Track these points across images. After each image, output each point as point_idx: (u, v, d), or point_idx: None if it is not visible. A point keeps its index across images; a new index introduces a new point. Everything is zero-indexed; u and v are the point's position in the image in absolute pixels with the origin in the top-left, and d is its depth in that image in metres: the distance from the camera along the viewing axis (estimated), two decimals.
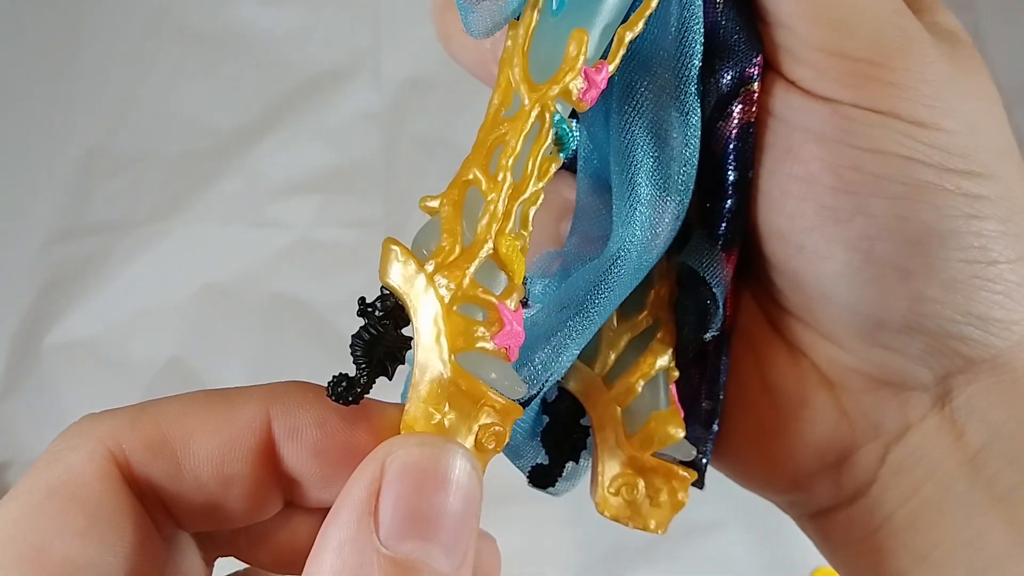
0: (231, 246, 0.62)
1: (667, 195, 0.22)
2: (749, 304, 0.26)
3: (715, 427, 0.25)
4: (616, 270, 0.22)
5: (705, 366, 0.25)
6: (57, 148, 0.63)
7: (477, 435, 0.18)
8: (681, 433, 0.24)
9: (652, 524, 0.24)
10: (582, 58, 0.20)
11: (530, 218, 0.20)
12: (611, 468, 0.24)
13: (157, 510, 0.19)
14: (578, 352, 0.23)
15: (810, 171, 0.22)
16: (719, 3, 0.22)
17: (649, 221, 0.22)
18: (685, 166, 0.22)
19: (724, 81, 0.22)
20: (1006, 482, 0.22)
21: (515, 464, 0.25)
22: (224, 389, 0.20)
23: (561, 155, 0.20)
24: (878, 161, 0.21)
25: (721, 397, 0.25)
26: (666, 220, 0.22)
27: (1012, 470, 0.22)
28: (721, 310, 0.24)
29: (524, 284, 0.22)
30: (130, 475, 0.18)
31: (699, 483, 0.26)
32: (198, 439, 0.19)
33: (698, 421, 0.25)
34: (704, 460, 0.25)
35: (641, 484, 0.24)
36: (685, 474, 0.24)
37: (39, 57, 0.64)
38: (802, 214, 0.22)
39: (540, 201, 0.20)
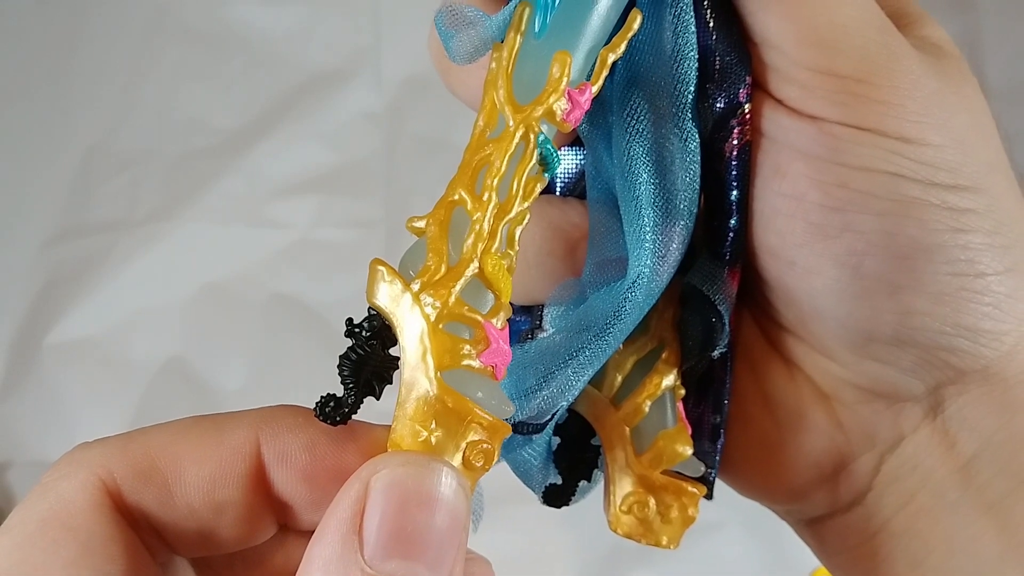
0: (231, 246, 0.62)
1: (671, 221, 0.23)
2: (746, 320, 0.26)
3: (721, 440, 0.25)
4: (633, 295, 0.22)
5: (711, 382, 0.26)
6: (57, 148, 0.63)
7: (465, 453, 0.18)
8: (689, 450, 0.24)
9: (664, 540, 0.25)
10: (565, 79, 0.20)
11: (516, 238, 0.20)
12: (622, 487, 0.25)
13: (150, 536, 0.19)
14: (593, 375, 0.23)
15: (798, 189, 0.22)
16: (711, 26, 0.22)
17: (656, 248, 0.22)
18: (687, 191, 0.23)
19: (719, 106, 0.23)
20: (997, 490, 0.23)
21: (527, 485, 0.26)
22: (214, 415, 0.20)
23: (546, 175, 0.20)
24: (864, 178, 0.22)
25: (726, 411, 0.25)
26: (672, 246, 0.23)
27: (1003, 478, 0.23)
28: (727, 327, 0.24)
29: (540, 311, 0.22)
30: (121, 503, 0.18)
31: (708, 495, 0.26)
32: (188, 465, 0.19)
33: (705, 436, 0.26)
34: (712, 473, 0.26)
35: (652, 502, 0.25)
36: (695, 490, 0.25)
37: (39, 57, 0.64)
38: (792, 231, 0.22)
39: (526, 221, 0.20)
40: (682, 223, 0.23)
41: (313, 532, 0.19)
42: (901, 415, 0.24)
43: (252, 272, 0.62)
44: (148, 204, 0.63)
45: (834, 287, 0.22)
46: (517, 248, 0.20)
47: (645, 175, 0.22)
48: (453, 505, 0.17)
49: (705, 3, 0.22)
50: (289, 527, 0.20)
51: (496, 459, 0.19)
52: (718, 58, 0.22)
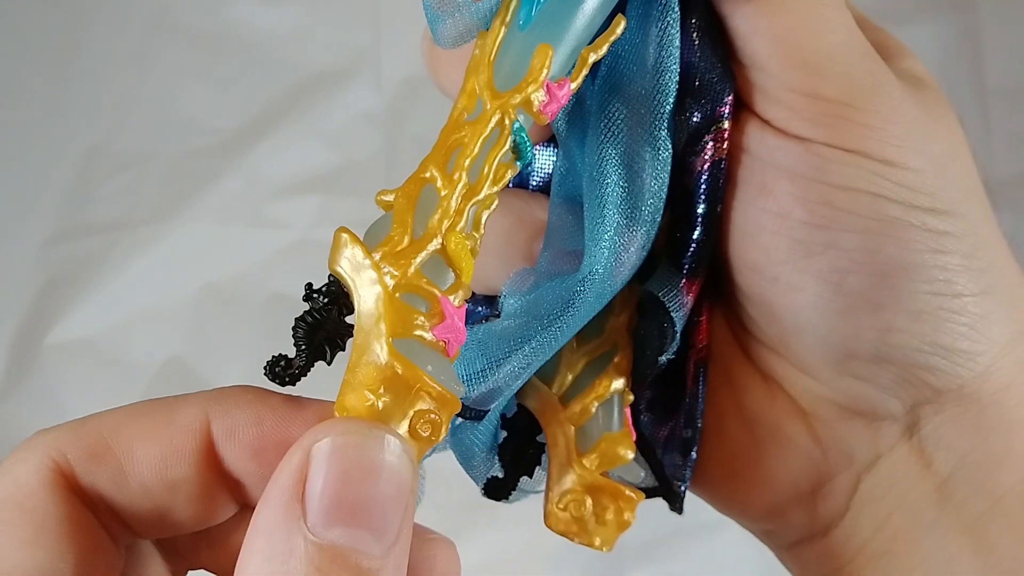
0: (231, 246, 0.62)
1: (634, 225, 0.23)
2: (725, 335, 0.26)
3: (693, 455, 0.26)
4: (585, 289, 0.23)
5: (683, 395, 0.26)
6: (57, 148, 0.63)
7: (412, 420, 0.18)
8: (631, 455, 0.25)
9: (597, 541, 0.25)
10: (546, 71, 0.20)
11: (482, 221, 0.20)
12: (562, 484, 0.25)
13: (108, 519, 0.19)
14: (539, 367, 0.23)
15: (783, 206, 0.23)
16: (696, 44, 0.23)
17: (615, 248, 0.23)
18: (653, 199, 0.23)
19: (695, 119, 0.23)
20: (972, 510, 0.23)
21: (469, 473, 0.26)
22: (167, 397, 0.20)
23: (518, 163, 0.21)
24: (848, 197, 0.22)
25: (699, 426, 0.26)
26: (632, 249, 0.23)
27: (978, 498, 0.23)
28: (678, 335, 0.24)
29: (498, 299, 0.22)
30: (76, 484, 0.19)
31: (678, 509, 0.26)
32: (140, 445, 0.19)
33: (676, 449, 0.26)
34: (683, 487, 0.26)
35: (589, 502, 0.25)
36: (632, 495, 0.25)
37: (39, 57, 0.64)
38: (775, 247, 0.23)
39: (494, 206, 0.20)
40: (643, 229, 0.23)
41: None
42: (879, 434, 0.24)
43: (252, 272, 0.62)
44: (148, 204, 0.63)
45: (816, 303, 0.23)
46: (483, 232, 0.20)
47: (614, 177, 0.23)
48: (397, 471, 0.17)
49: (692, 21, 0.22)
50: (248, 506, 0.21)
51: (444, 433, 0.19)
52: (699, 74, 0.23)
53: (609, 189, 0.23)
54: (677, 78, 0.23)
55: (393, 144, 0.63)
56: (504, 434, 0.26)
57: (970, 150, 0.24)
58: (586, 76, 0.21)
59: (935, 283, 0.22)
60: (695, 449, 0.26)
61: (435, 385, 0.18)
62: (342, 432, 0.17)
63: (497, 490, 0.26)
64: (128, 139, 0.63)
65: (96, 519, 0.19)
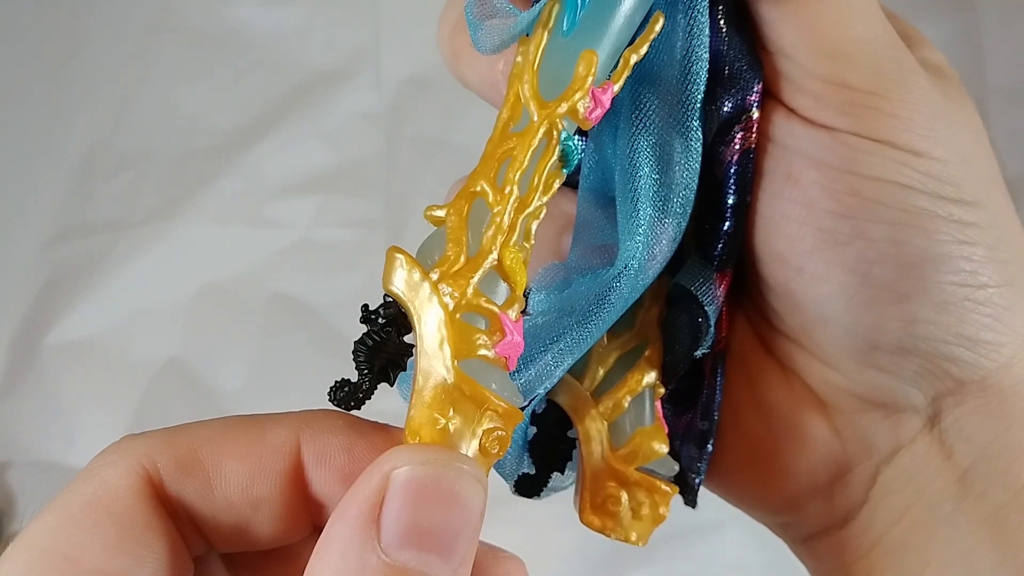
0: (231, 246, 0.62)
1: (666, 217, 0.23)
2: (743, 326, 0.26)
3: (709, 447, 0.26)
4: (620, 283, 0.23)
5: (701, 387, 0.26)
6: (57, 148, 0.63)
7: (481, 440, 0.19)
8: (665, 448, 0.25)
9: (633, 536, 0.25)
10: (591, 78, 0.20)
11: (532, 231, 0.20)
12: (595, 480, 0.25)
13: (188, 528, 0.20)
14: (573, 363, 0.23)
15: (810, 196, 0.23)
16: (723, 31, 0.23)
17: (648, 241, 0.23)
18: (685, 190, 0.23)
19: (725, 109, 0.23)
20: (992, 502, 0.23)
21: (498, 472, 0.26)
22: (256, 415, 0.20)
23: (564, 170, 0.21)
24: (876, 187, 0.22)
25: (716, 418, 0.26)
26: (663, 242, 0.23)
27: (998, 490, 0.23)
28: (712, 328, 0.24)
29: (526, 295, 0.22)
30: (163, 493, 0.19)
31: (691, 502, 0.26)
32: (229, 461, 0.19)
33: (692, 441, 0.26)
34: (698, 480, 0.26)
35: (624, 497, 0.25)
36: (667, 488, 0.25)
37: (39, 57, 0.64)
38: (802, 237, 0.23)
39: (543, 215, 0.20)
40: (675, 221, 0.23)
41: None
42: (899, 425, 0.24)
43: (252, 272, 0.62)
44: (148, 204, 0.63)
45: (842, 294, 0.23)
46: (533, 241, 0.20)
47: (647, 169, 0.23)
48: (470, 501, 0.18)
49: (720, 8, 0.22)
50: (323, 528, 0.21)
51: (509, 444, 0.19)
52: (728, 63, 0.23)
53: (642, 181, 0.23)
54: (707, 67, 0.23)
55: (393, 144, 0.63)
56: (534, 430, 0.26)
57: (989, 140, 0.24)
58: (622, 78, 0.21)
59: (960, 274, 0.22)
60: (711, 442, 0.26)
61: (501, 403, 0.19)
62: (421, 461, 0.18)
63: (528, 487, 0.26)
64: (128, 139, 0.63)
65: (177, 529, 0.19)
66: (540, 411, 0.26)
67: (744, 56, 0.23)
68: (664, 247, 0.23)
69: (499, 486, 0.28)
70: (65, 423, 0.61)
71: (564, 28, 0.21)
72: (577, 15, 0.21)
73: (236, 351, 0.62)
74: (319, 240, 0.62)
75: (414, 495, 0.17)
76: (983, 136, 0.24)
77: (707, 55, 0.23)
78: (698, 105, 0.23)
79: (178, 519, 0.19)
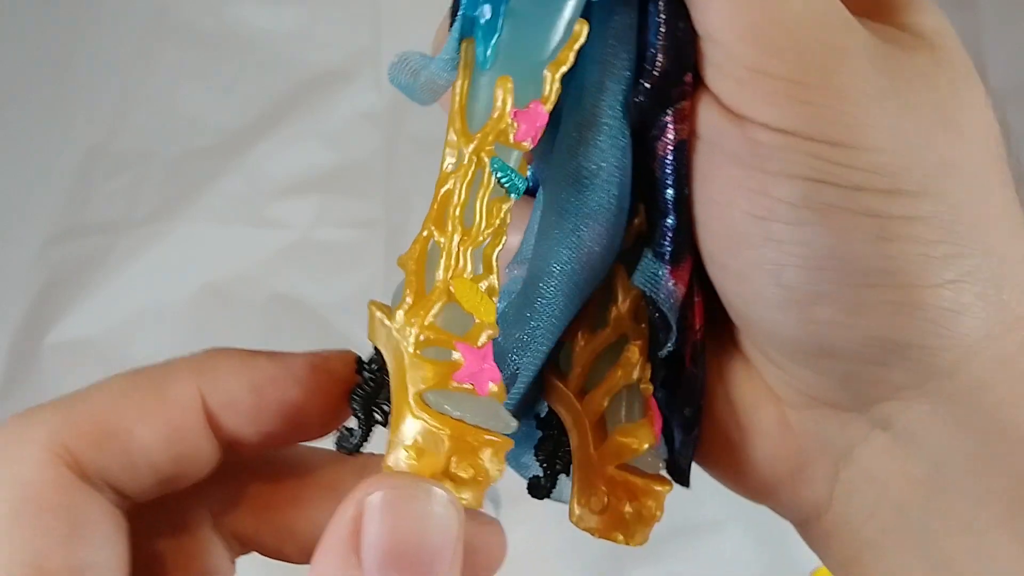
0: (231, 246, 0.62)
1: (593, 217, 0.23)
2: (717, 318, 0.26)
3: (695, 433, 0.26)
4: (547, 288, 0.23)
5: (683, 375, 0.26)
6: (57, 148, 0.63)
7: (451, 466, 0.19)
8: (645, 446, 0.24)
9: (620, 537, 0.25)
10: (509, 102, 0.21)
11: (493, 259, 0.21)
12: (584, 481, 0.25)
13: (111, 494, 0.20)
14: (532, 373, 0.24)
15: (727, 195, 0.22)
16: (661, 17, 0.22)
17: (575, 244, 0.23)
18: (611, 188, 0.23)
19: (644, 99, 0.22)
20: (961, 515, 0.22)
21: (520, 474, 0.26)
22: (147, 368, 0.20)
23: (512, 196, 0.21)
24: (784, 185, 0.21)
25: (700, 405, 0.25)
26: (590, 245, 0.23)
27: (956, 500, 0.22)
28: (674, 328, 0.24)
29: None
30: (84, 472, 0.19)
31: (684, 482, 0.26)
32: (139, 427, 0.19)
33: (680, 427, 0.26)
34: (687, 462, 0.26)
35: (605, 498, 0.25)
36: (659, 488, 0.25)
37: (39, 57, 0.64)
38: (724, 235, 0.22)
39: (503, 243, 0.21)
40: (604, 219, 0.23)
41: (333, 491, 0.21)
42: (849, 424, 0.23)
43: (252, 272, 0.62)
44: (148, 204, 0.63)
45: (759, 296, 0.22)
46: (496, 270, 0.21)
47: (572, 174, 0.23)
48: (444, 520, 0.18)
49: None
50: (238, 453, 0.21)
51: (495, 467, 0.20)
52: (659, 50, 0.22)
53: (567, 188, 0.23)
54: (627, 63, 0.22)
55: (393, 144, 0.63)
56: (539, 434, 0.26)
57: (985, 114, 0.22)
58: (559, 90, 0.21)
59: (877, 275, 0.21)
60: (697, 429, 0.26)
61: (468, 430, 0.19)
62: (392, 486, 0.18)
63: (538, 489, 0.26)
64: (128, 139, 0.63)
65: (105, 499, 0.19)
66: (543, 415, 0.26)
67: (674, 43, 0.22)
68: (595, 247, 0.23)
69: (501, 486, 0.28)
70: None
71: (480, 62, 0.21)
72: (489, 48, 0.21)
73: None
74: (319, 240, 0.62)
75: (389, 519, 0.18)
76: (957, 111, 0.22)
77: (628, 52, 0.22)
78: (619, 100, 0.22)
79: (102, 489, 0.19)
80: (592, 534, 0.25)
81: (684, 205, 0.23)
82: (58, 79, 0.63)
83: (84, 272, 0.62)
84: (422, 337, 0.20)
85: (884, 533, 0.23)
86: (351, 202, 0.63)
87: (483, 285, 0.21)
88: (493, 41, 0.21)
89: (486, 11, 0.21)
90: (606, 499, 0.24)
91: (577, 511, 0.25)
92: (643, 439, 0.24)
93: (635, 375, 0.25)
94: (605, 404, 0.25)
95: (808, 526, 0.25)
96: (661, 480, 0.25)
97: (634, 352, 0.25)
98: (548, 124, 0.22)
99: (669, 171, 0.23)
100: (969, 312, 0.21)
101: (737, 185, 0.21)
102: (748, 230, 0.21)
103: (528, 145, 0.21)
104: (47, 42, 0.64)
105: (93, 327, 0.62)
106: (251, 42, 0.64)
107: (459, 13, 0.21)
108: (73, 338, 0.61)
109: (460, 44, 0.21)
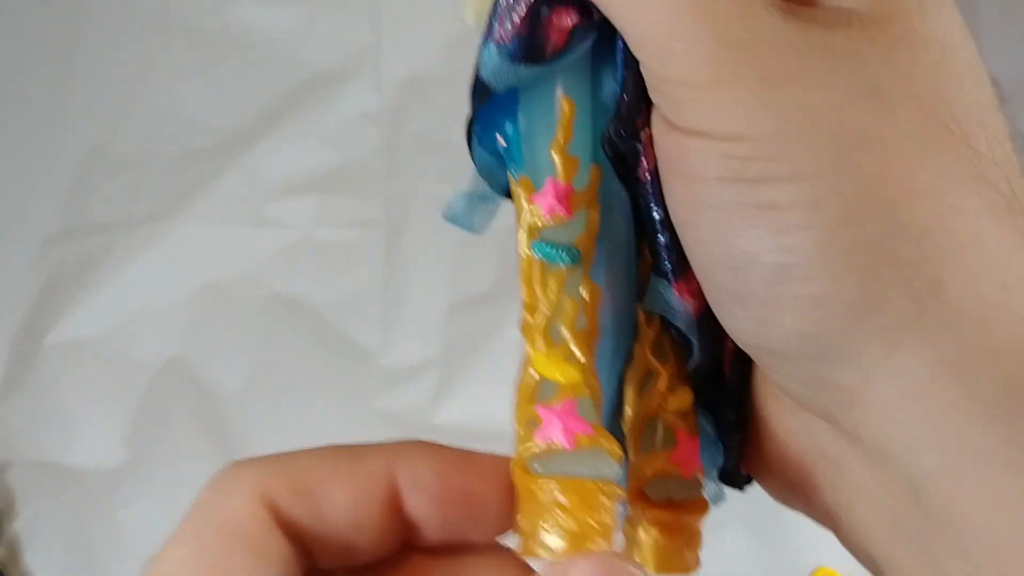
0: (231, 246, 0.62)
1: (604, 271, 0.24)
2: None
3: (738, 436, 0.26)
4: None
5: (724, 383, 0.26)
6: (57, 148, 0.63)
7: (565, 525, 0.21)
8: (674, 472, 0.25)
9: (672, 566, 0.26)
10: (526, 205, 0.23)
11: (564, 330, 0.23)
12: (634, 517, 0.25)
13: (299, 549, 0.21)
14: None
15: (672, 208, 0.22)
16: (621, 55, 0.23)
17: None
18: (616, 236, 0.25)
19: (612, 132, 0.23)
20: (948, 531, 0.20)
21: None
22: (349, 445, 0.22)
23: (565, 264, 0.23)
24: (703, 189, 0.21)
25: (742, 410, 0.26)
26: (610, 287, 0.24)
27: (938, 520, 0.20)
28: (695, 342, 0.24)
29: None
30: (280, 517, 0.20)
31: (738, 486, 0.26)
32: (334, 487, 0.21)
33: (725, 432, 0.26)
34: (732, 464, 0.26)
35: (656, 531, 0.25)
36: (688, 518, 0.25)
37: (39, 57, 0.64)
38: (687, 246, 0.23)
39: (578, 316, 0.23)
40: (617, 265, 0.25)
41: (437, 552, 0.22)
42: (833, 430, 0.22)
43: (252, 272, 0.62)
44: (148, 204, 0.63)
45: (712, 298, 0.22)
46: (573, 338, 0.23)
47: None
48: None
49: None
50: (413, 545, 0.22)
51: (615, 505, 0.22)
52: (622, 87, 0.23)
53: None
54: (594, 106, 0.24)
55: (393, 144, 0.63)
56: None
57: (931, 81, 0.21)
58: (566, 164, 0.23)
59: (772, 270, 0.20)
60: (740, 432, 0.26)
61: (581, 483, 0.21)
62: (598, 562, 0.20)
63: None
64: (128, 139, 0.63)
65: (293, 549, 0.21)
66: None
67: (635, 76, 0.22)
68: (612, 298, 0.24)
69: None
70: (65, 423, 0.61)
71: (514, 164, 0.24)
72: (519, 163, 0.24)
73: (236, 351, 0.62)
74: (319, 240, 0.62)
75: None
76: (897, 83, 0.20)
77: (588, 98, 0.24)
78: (595, 142, 0.24)
79: (292, 541, 0.21)
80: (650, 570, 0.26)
81: (670, 223, 0.23)
82: (58, 79, 0.63)
83: (84, 272, 0.62)
84: (526, 420, 0.22)
85: (894, 549, 0.22)
86: (351, 202, 0.63)
87: (559, 352, 0.22)
88: (520, 159, 0.23)
89: (501, 141, 0.24)
90: (657, 533, 0.25)
91: (635, 545, 0.25)
92: (662, 469, 0.25)
93: (675, 405, 0.25)
94: (638, 436, 0.25)
95: (837, 535, 0.25)
96: (695, 505, 0.25)
97: (663, 383, 0.25)
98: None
99: (651, 194, 0.23)
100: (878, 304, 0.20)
101: (677, 198, 0.22)
102: (684, 237, 0.22)
103: (564, 214, 0.23)
104: (47, 42, 0.64)
105: (93, 327, 0.62)
106: (251, 42, 0.64)
107: (474, 142, 0.24)
108: (73, 338, 0.62)
109: (482, 176, 0.25)
